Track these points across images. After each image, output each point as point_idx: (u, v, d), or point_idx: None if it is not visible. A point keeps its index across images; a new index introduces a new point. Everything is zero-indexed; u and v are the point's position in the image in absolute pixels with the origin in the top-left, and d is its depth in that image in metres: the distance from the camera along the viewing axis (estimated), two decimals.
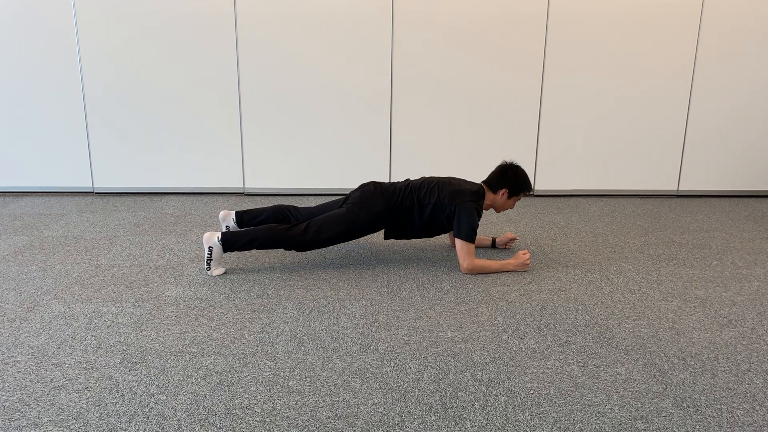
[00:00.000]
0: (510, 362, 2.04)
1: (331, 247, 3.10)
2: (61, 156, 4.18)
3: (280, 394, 1.84)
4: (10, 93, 4.06)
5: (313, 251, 3.06)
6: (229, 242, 2.71)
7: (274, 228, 2.75)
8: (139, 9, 3.92)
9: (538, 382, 1.92)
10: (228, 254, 2.99)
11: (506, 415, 1.75)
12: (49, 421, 1.70)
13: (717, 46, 4.09)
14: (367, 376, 1.95)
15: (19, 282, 2.67)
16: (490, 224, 3.62)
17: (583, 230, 3.54)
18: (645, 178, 4.33)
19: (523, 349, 2.13)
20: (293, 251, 2.98)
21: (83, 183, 4.24)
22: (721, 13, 4.02)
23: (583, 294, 2.61)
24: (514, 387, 1.89)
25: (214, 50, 4.01)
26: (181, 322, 2.30)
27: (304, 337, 2.19)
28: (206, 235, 2.74)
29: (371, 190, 2.86)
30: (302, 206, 3.06)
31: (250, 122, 4.15)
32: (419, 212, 2.83)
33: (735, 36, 4.07)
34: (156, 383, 1.89)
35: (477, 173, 3.24)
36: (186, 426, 1.69)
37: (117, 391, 1.84)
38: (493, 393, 1.86)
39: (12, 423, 1.69)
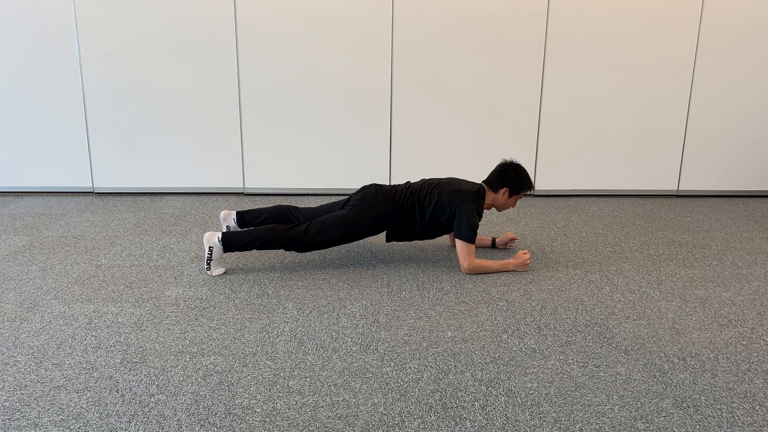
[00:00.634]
0: (510, 362, 2.04)
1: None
2: (61, 156, 4.18)
3: (280, 394, 1.84)
4: (11, 93, 4.06)
5: (313, 251, 3.06)
6: (230, 242, 2.71)
7: (274, 228, 2.75)
8: (139, 9, 3.93)
9: (538, 382, 1.92)
10: (228, 254, 2.99)
11: (506, 415, 1.75)
12: (49, 421, 1.70)
13: (717, 46, 4.09)
14: (367, 376, 1.95)
15: (19, 282, 2.67)
16: (491, 224, 3.62)
17: (583, 230, 3.54)
18: (645, 178, 4.33)
19: (523, 349, 2.13)
20: (293, 251, 2.98)
21: (83, 183, 4.24)
22: (722, 12, 4.02)
23: (583, 294, 2.61)
24: (514, 387, 1.89)
25: (214, 50, 4.01)
26: (181, 322, 2.30)
27: (304, 337, 2.19)
28: (207, 235, 2.74)
29: (372, 193, 2.86)
30: (303, 207, 3.06)
31: (250, 122, 4.15)
32: (420, 214, 2.83)
33: (735, 36, 4.07)
34: (156, 383, 1.89)
35: (477, 173, 3.24)
36: (186, 426, 1.69)
37: (117, 391, 1.84)
38: (493, 393, 1.86)
39: (12, 423, 1.69)
